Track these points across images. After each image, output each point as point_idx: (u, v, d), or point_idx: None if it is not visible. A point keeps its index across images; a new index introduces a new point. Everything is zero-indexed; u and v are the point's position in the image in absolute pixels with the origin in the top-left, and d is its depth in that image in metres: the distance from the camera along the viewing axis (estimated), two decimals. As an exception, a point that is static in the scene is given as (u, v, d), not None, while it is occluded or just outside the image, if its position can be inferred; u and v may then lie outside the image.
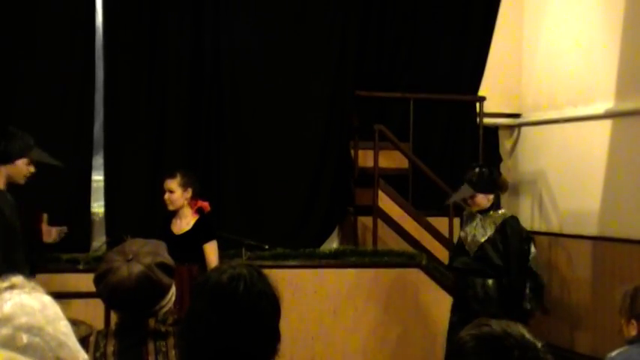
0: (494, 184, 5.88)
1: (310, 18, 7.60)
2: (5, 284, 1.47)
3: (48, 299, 1.48)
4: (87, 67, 6.97)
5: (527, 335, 1.55)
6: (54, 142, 6.46)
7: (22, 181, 4.92)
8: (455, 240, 6.52)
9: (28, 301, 1.43)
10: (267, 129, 7.40)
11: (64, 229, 5.32)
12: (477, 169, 5.88)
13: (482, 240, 5.74)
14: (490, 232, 5.72)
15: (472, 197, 5.83)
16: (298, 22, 7.57)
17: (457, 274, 5.97)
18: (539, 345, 1.55)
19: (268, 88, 7.41)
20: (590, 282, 7.40)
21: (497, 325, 1.57)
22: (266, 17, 7.46)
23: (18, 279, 1.49)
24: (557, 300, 7.74)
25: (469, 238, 5.83)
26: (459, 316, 5.71)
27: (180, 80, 7.19)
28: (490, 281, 5.67)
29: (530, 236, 5.99)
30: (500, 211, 5.86)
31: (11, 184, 4.87)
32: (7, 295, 1.45)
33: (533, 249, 5.82)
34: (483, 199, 5.82)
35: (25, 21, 6.77)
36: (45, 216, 5.19)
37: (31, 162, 4.90)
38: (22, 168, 4.85)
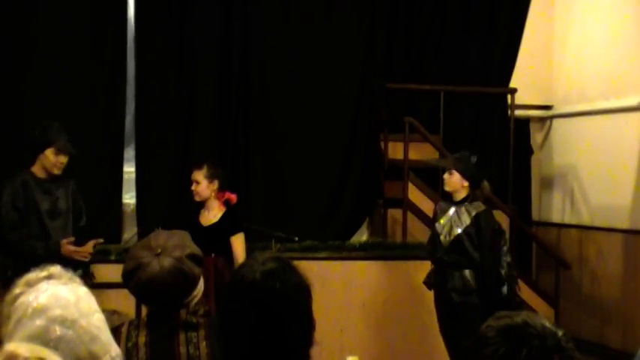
0: (475, 175, 5.76)
1: (338, 10, 7.58)
2: (43, 274, 1.49)
3: (84, 291, 1.49)
4: (118, 60, 7.02)
5: (548, 325, 1.56)
6: (86, 134, 6.55)
7: (55, 170, 5.14)
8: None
9: (63, 293, 1.45)
10: (295, 121, 7.41)
11: (100, 240, 5.40)
12: (465, 152, 5.87)
13: (459, 231, 5.70)
14: (466, 223, 5.69)
15: (450, 173, 5.77)
16: (326, 15, 7.56)
17: (435, 268, 5.89)
18: (560, 334, 1.55)
19: (296, 80, 7.41)
20: (620, 276, 7.34)
21: (517, 317, 1.58)
22: (294, 9, 7.46)
23: (56, 269, 1.50)
24: (587, 293, 7.69)
25: (445, 230, 5.77)
26: (443, 312, 5.74)
27: (210, 74, 7.22)
28: (467, 272, 5.64)
29: (502, 230, 6.00)
30: (475, 203, 5.78)
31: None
32: (44, 285, 1.46)
33: (503, 242, 5.80)
34: (458, 182, 5.71)
35: (57, 13, 6.83)
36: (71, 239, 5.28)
37: (60, 152, 5.16)
38: (51, 157, 5.15)
